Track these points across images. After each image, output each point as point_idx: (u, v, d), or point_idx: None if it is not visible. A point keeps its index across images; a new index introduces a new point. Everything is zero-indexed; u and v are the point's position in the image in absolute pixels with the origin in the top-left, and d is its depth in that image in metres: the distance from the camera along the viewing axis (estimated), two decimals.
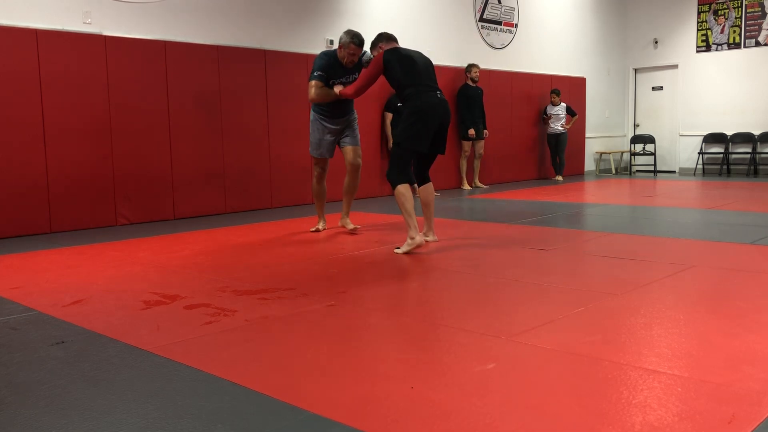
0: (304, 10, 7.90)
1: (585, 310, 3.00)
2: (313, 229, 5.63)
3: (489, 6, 10.32)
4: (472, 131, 9.30)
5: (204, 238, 5.41)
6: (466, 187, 9.66)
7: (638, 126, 13.26)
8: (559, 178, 10.90)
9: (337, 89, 5.09)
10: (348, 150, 5.44)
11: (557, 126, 10.71)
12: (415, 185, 8.67)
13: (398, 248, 4.53)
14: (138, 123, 6.42)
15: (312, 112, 5.40)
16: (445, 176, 9.54)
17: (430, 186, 4.85)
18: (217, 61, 7.00)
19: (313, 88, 5.12)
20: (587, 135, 12.27)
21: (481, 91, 9.50)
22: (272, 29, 7.59)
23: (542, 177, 11.29)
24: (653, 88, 13.03)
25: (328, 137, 5.39)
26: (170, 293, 3.49)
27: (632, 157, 12.94)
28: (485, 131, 9.60)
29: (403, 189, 4.47)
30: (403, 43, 8.91)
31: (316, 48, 8.00)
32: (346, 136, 5.45)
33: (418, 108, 4.46)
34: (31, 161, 5.78)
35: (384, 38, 4.82)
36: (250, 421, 1.91)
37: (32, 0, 5.83)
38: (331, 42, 8.18)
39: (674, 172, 12.68)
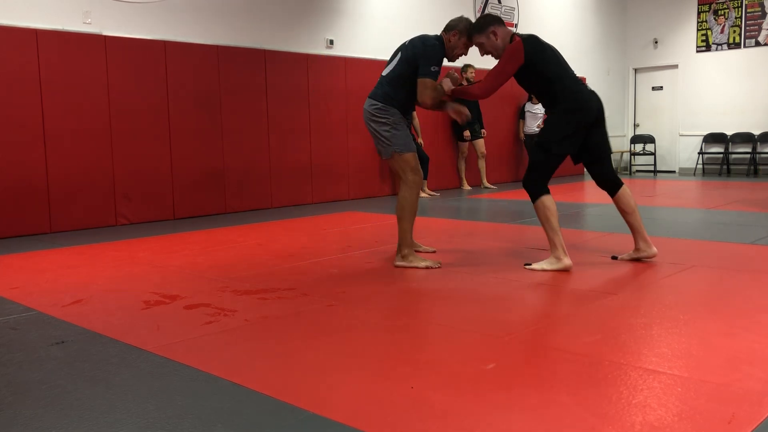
0: (304, 10, 7.91)
1: (585, 310, 3.00)
2: (423, 265, 4.04)
3: (489, 6, 10.32)
4: (467, 132, 9.29)
5: (204, 238, 5.40)
6: (466, 187, 9.65)
7: (638, 126, 13.26)
8: None
9: (447, 85, 3.99)
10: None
11: (533, 126, 10.23)
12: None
13: (532, 264, 3.89)
14: (138, 123, 6.43)
15: (387, 108, 4.02)
16: (446, 177, 9.55)
17: (625, 190, 4.04)
18: (217, 61, 7.00)
19: (430, 90, 3.88)
20: None
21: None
22: (272, 29, 7.59)
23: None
24: (653, 88, 13.03)
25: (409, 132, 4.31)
26: (170, 293, 3.49)
27: (632, 157, 12.94)
28: (483, 131, 9.59)
29: (549, 201, 3.82)
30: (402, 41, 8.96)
31: (316, 48, 8.01)
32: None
33: (579, 107, 3.80)
34: (31, 161, 5.78)
35: (496, 21, 3.94)
36: (250, 421, 1.91)
37: (32, 0, 5.83)
38: (331, 42, 8.18)
39: (674, 172, 12.67)
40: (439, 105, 4.05)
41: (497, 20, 3.94)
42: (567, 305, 3.11)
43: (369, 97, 4.10)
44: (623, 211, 4.00)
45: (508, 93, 10.30)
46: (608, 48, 12.81)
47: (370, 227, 5.85)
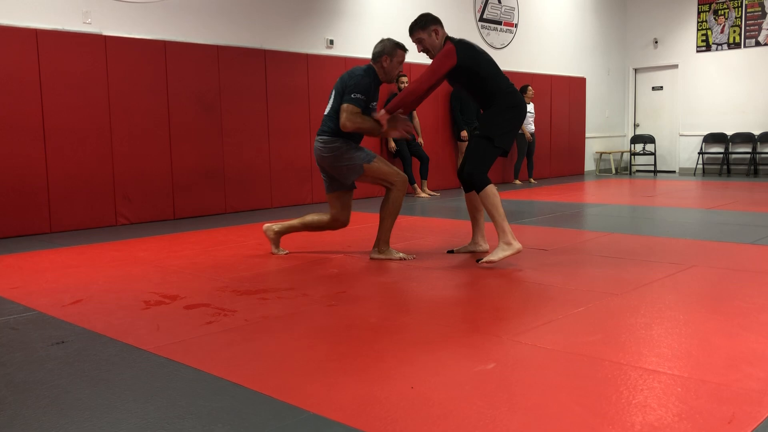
0: (304, 10, 7.91)
1: (585, 310, 3.00)
2: (397, 257, 4.34)
3: (489, 6, 10.32)
4: (464, 133, 9.29)
5: (204, 238, 5.40)
6: None
7: (638, 126, 13.27)
8: (533, 180, 10.46)
9: (383, 117, 4.12)
10: (348, 197, 4.54)
11: (529, 125, 10.18)
12: (416, 185, 8.80)
13: (485, 258, 3.96)
14: (138, 123, 6.43)
15: (334, 139, 4.21)
16: (445, 177, 9.55)
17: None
18: (217, 61, 7.01)
19: (348, 113, 4.06)
20: (587, 135, 12.27)
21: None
22: (272, 29, 7.59)
23: (545, 176, 11.28)
24: (653, 88, 13.03)
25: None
26: (170, 293, 3.49)
27: (632, 157, 12.95)
28: None
29: (494, 190, 3.99)
30: (403, 42, 8.95)
31: (316, 48, 8.01)
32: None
33: (517, 103, 4.06)
34: (31, 161, 5.78)
35: (438, 21, 4.16)
36: (250, 421, 1.91)
37: (32, 0, 5.83)
38: (331, 42, 8.18)
39: (674, 172, 12.68)
40: (371, 131, 4.17)
41: (439, 21, 4.17)
42: (567, 305, 3.11)
43: (317, 136, 4.29)
44: (476, 208, 4.33)
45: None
46: (608, 48, 12.81)
47: (370, 227, 5.85)
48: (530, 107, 10.16)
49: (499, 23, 10.51)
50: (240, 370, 2.32)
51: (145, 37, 6.49)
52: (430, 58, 4.15)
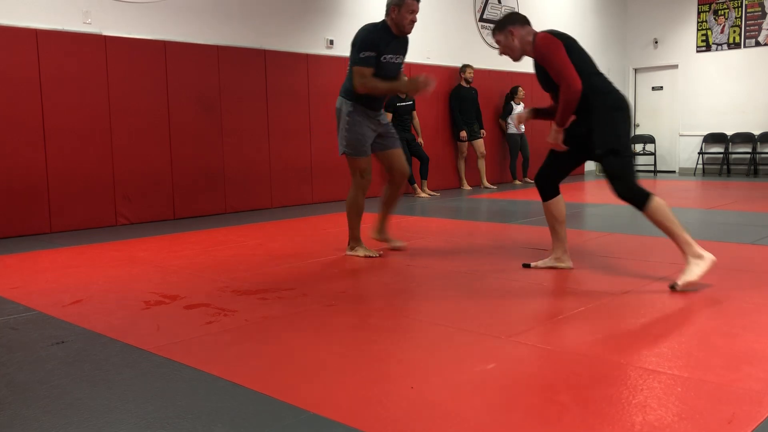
0: (304, 10, 7.91)
1: (585, 310, 3.00)
2: (356, 254, 4.43)
3: (489, 6, 10.32)
4: (463, 133, 9.29)
5: (204, 238, 5.40)
6: (466, 187, 9.66)
7: (638, 126, 13.26)
8: (529, 180, 10.39)
9: (558, 143, 3.61)
10: (395, 154, 4.39)
11: (520, 125, 10.23)
12: (416, 185, 8.79)
13: (680, 282, 3.29)
14: (138, 123, 6.43)
15: (345, 102, 4.23)
16: (445, 177, 9.55)
17: (562, 198, 3.94)
18: (217, 61, 7.00)
19: (358, 77, 4.07)
20: None
21: (476, 91, 9.45)
22: (272, 29, 7.59)
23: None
24: (653, 88, 13.02)
25: (370, 132, 4.26)
26: (170, 293, 3.49)
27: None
28: (482, 131, 9.59)
29: (660, 201, 3.35)
30: None
31: (316, 48, 8.01)
32: (390, 136, 4.36)
33: (623, 105, 3.51)
34: (31, 161, 5.78)
35: (518, 20, 3.73)
36: (250, 421, 1.91)
37: (32, 0, 5.83)
38: (331, 42, 8.18)
39: (674, 172, 12.67)
40: (389, 92, 4.19)
41: (518, 20, 3.70)
42: (567, 305, 3.11)
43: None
44: (555, 218, 3.85)
45: (533, 94, 10.31)
46: (608, 48, 12.80)
47: (370, 227, 5.84)
48: (520, 108, 10.18)
49: None
50: (240, 370, 2.32)
51: (145, 37, 6.49)
52: (513, 60, 3.77)
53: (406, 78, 4.34)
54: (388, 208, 4.57)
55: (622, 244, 4.70)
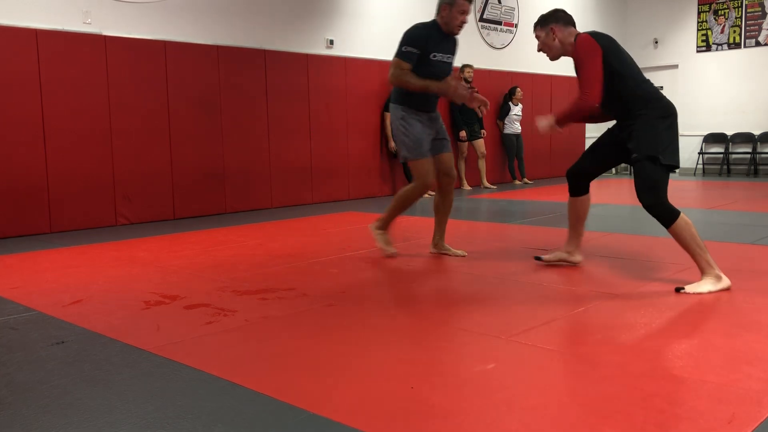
0: (304, 10, 7.90)
1: (585, 310, 3.00)
2: (381, 243, 4.35)
3: (489, 6, 10.32)
4: (462, 133, 9.29)
5: (204, 238, 5.40)
6: (466, 187, 9.66)
7: None
8: (527, 181, 10.40)
9: (542, 126, 3.60)
10: (444, 158, 4.26)
11: (516, 126, 10.15)
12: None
13: (687, 288, 3.27)
14: (138, 123, 6.43)
15: (396, 108, 4.15)
16: None
17: (589, 197, 3.91)
18: (217, 61, 7.00)
19: (393, 67, 4.01)
20: (587, 135, 12.26)
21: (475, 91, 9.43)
22: (272, 29, 7.59)
23: (543, 176, 11.27)
24: None
25: (427, 133, 4.15)
26: (170, 293, 3.49)
27: None
28: (483, 131, 9.59)
29: (686, 220, 3.28)
30: None
31: (316, 48, 8.01)
32: (444, 138, 4.27)
33: (669, 113, 3.37)
34: (31, 161, 5.78)
35: (562, 19, 3.56)
36: (250, 421, 1.91)
37: (32, 0, 5.83)
38: (331, 42, 8.18)
39: (674, 172, 12.67)
40: (424, 89, 4.00)
41: (562, 19, 3.56)
42: (567, 305, 3.11)
43: None
44: (578, 217, 3.86)
45: (533, 94, 10.31)
46: None
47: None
48: (518, 109, 10.20)
49: (499, 23, 10.51)
50: (240, 370, 2.32)
51: (145, 37, 6.49)
52: (550, 59, 3.66)
53: (453, 81, 4.09)
54: (441, 216, 4.40)
55: (622, 244, 4.69)
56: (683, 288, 3.28)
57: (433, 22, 4.11)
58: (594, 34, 3.45)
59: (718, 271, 3.28)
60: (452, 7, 4.00)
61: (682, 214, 3.30)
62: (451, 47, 4.16)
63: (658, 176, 3.33)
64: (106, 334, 2.78)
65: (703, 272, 3.30)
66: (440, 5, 4.06)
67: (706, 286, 3.26)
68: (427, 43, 4.00)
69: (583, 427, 1.81)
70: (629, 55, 3.50)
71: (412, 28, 4.08)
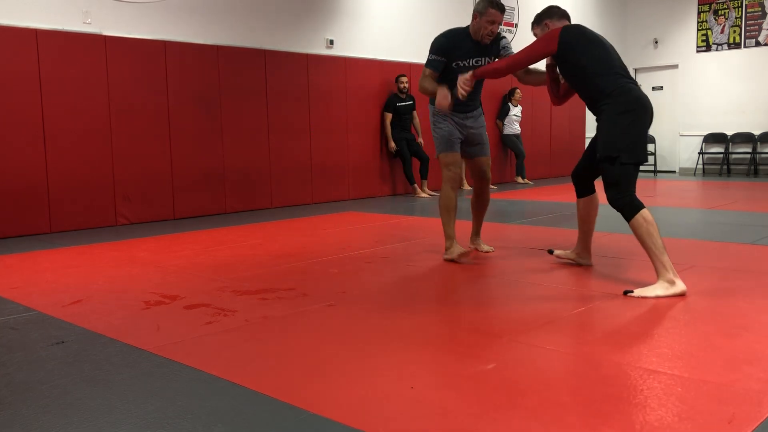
0: (304, 10, 7.91)
1: (585, 310, 3.00)
2: (451, 257, 4.20)
3: None
4: None
5: (204, 238, 5.40)
6: (466, 187, 9.66)
7: None
8: (527, 181, 10.40)
9: (462, 87, 3.81)
10: (479, 162, 4.40)
11: (516, 127, 10.22)
12: (416, 185, 8.78)
13: (636, 292, 3.22)
14: (138, 123, 6.43)
15: (431, 106, 4.27)
16: None
17: (596, 198, 3.89)
18: (217, 61, 7.00)
19: (421, 77, 4.11)
20: (587, 135, 12.27)
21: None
22: (272, 29, 7.59)
23: (548, 176, 11.27)
24: (653, 88, 13.02)
25: (456, 130, 4.22)
26: (170, 293, 3.49)
27: None
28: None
29: (647, 216, 3.29)
30: (404, 42, 8.96)
31: (316, 48, 8.01)
32: (478, 144, 4.34)
33: (633, 107, 3.33)
34: (31, 161, 5.78)
35: (556, 14, 3.74)
36: (250, 421, 1.91)
37: (32, 0, 5.83)
38: (331, 42, 8.18)
39: (674, 172, 12.67)
40: (433, 94, 4.04)
41: (555, 14, 3.73)
42: (567, 305, 3.11)
43: None
44: (583, 219, 3.86)
45: (533, 94, 10.30)
46: None
47: (369, 227, 5.85)
48: (517, 110, 10.22)
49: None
50: (240, 370, 2.32)
51: (145, 37, 6.49)
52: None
53: (442, 92, 3.99)
54: (476, 214, 4.59)
55: (622, 244, 4.69)
56: (632, 291, 3.22)
57: (466, 28, 4.14)
58: (564, 30, 3.51)
59: (672, 275, 3.20)
60: (482, 16, 4.01)
61: (644, 210, 3.30)
62: (480, 51, 4.10)
63: (617, 174, 3.35)
64: (106, 334, 2.78)
65: (657, 274, 3.25)
66: (474, 11, 4.08)
67: (655, 290, 3.19)
68: (450, 52, 4.04)
69: (583, 427, 1.80)
70: (606, 49, 3.48)
71: (439, 35, 4.12)
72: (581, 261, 3.96)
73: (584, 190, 3.85)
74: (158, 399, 2.08)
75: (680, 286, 3.19)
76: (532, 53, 3.56)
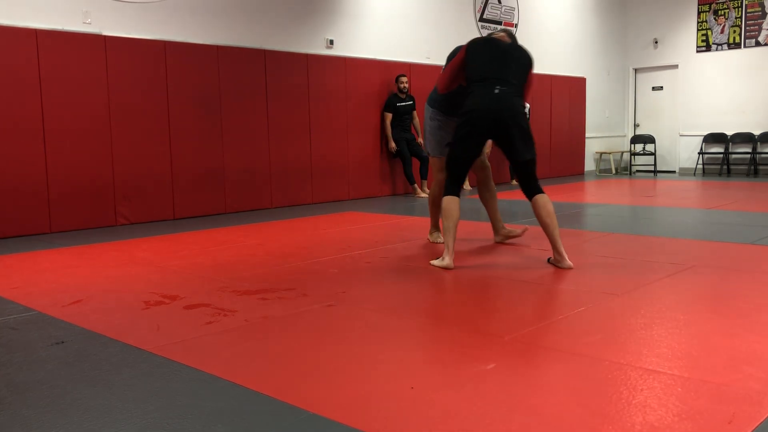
0: (304, 10, 7.91)
1: (585, 310, 3.00)
2: (442, 264, 4.03)
3: (489, 6, 10.32)
4: None
5: (204, 238, 5.40)
6: (467, 187, 9.66)
7: (638, 126, 13.26)
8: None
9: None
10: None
11: None
12: (415, 185, 8.77)
13: (432, 261, 4.09)
14: (138, 123, 6.43)
15: (427, 109, 4.76)
16: None
17: (541, 198, 4.06)
18: (217, 61, 7.00)
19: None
20: (587, 135, 12.27)
21: None
22: (272, 29, 7.59)
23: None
24: (653, 88, 13.03)
25: (447, 136, 4.47)
26: (170, 293, 3.49)
27: (632, 157, 12.94)
28: None
29: (448, 203, 4.02)
30: (404, 42, 8.96)
31: (316, 48, 8.01)
32: None
33: (468, 109, 3.98)
34: (31, 161, 5.78)
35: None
36: (250, 421, 1.91)
37: (32, 0, 5.83)
38: (331, 42, 8.18)
39: (674, 172, 12.67)
40: None
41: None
42: (567, 305, 3.11)
43: None
44: (541, 223, 4.02)
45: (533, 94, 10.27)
46: (608, 48, 12.80)
47: (369, 227, 5.85)
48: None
49: (499, 23, 10.50)
50: (240, 370, 2.32)
51: (145, 37, 6.49)
52: None
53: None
54: (489, 205, 4.89)
55: (622, 244, 4.69)
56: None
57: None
58: (469, 44, 4.15)
59: (447, 253, 3.95)
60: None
61: (450, 197, 4.00)
62: None
63: (447, 161, 4.11)
64: (106, 334, 2.78)
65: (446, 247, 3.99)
66: None
67: (436, 261, 4.04)
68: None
69: (583, 427, 1.80)
70: (488, 58, 4.02)
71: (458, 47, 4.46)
72: (560, 264, 3.94)
73: (530, 194, 4.23)
74: (158, 399, 2.08)
75: (447, 261, 3.94)
76: (452, 67, 4.21)
